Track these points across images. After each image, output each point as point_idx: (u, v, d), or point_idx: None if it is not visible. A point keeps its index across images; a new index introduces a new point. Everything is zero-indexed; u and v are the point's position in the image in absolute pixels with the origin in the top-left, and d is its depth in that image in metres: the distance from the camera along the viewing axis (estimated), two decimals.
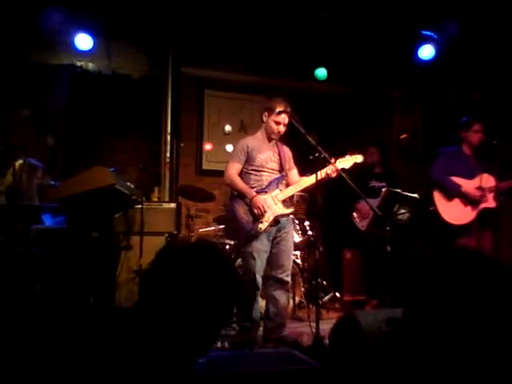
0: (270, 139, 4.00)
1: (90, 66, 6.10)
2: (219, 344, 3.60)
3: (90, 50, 5.71)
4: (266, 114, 3.94)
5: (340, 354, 1.40)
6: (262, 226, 3.76)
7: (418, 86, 6.39)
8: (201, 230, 5.72)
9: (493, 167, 4.42)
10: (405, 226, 4.96)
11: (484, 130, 4.46)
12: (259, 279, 3.78)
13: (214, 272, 1.18)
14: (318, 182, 3.78)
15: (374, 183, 5.58)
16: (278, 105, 3.89)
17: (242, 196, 3.84)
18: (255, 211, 3.76)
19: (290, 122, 3.81)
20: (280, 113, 3.85)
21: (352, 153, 3.93)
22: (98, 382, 1.09)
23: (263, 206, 3.75)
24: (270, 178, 3.90)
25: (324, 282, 5.55)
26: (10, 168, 4.20)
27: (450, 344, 0.94)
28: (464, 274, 0.97)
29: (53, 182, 4.46)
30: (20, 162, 4.25)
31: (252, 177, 3.89)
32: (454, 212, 4.36)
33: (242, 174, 3.92)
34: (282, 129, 3.91)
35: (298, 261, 5.16)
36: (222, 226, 5.23)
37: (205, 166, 6.54)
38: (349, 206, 5.58)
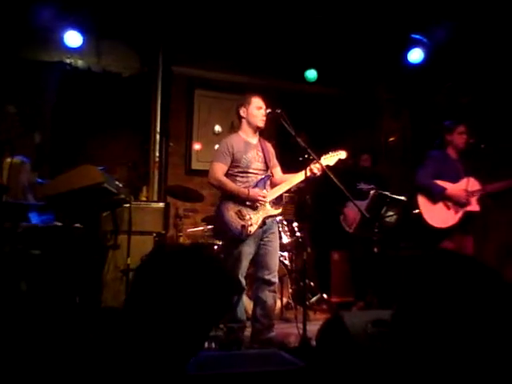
0: (254, 132, 3.96)
1: (80, 63, 6.06)
2: (206, 344, 3.59)
3: (79, 48, 5.68)
4: (244, 108, 3.92)
5: (327, 355, 1.41)
6: (252, 228, 3.74)
7: (407, 88, 6.44)
8: (189, 230, 5.71)
9: (478, 170, 4.46)
10: (392, 229, 4.98)
11: (469, 132, 4.48)
12: (242, 280, 3.77)
13: (206, 274, 1.18)
14: (303, 181, 3.80)
15: (363, 185, 5.61)
16: (252, 95, 3.94)
17: (232, 197, 3.81)
18: (258, 203, 3.76)
19: (279, 122, 3.80)
20: (257, 101, 3.90)
21: (335, 149, 3.94)
22: (84, 380, 1.09)
23: (264, 195, 3.77)
24: (256, 179, 3.87)
25: (311, 284, 5.56)
26: (3, 166, 4.18)
27: (438, 346, 0.95)
28: (453, 276, 0.98)
29: (40, 180, 4.43)
30: (8, 160, 4.23)
31: (238, 179, 3.85)
32: (437, 215, 4.38)
33: (227, 176, 3.87)
34: (264, 112, 3.89)
35: (286, 262, 5.16)
36: (210, 226, 5.22)
37: (194, 166, 6.52)
38: (337, 208, 5.61)
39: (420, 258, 1.05)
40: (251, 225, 3.74)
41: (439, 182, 4.41)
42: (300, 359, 2.10)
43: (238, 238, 3.73)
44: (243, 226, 3.72)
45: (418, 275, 1.03)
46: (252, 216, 3.77)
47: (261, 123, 3.91)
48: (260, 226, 3.78)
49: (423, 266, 1.04)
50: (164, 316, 1.13)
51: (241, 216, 3.75)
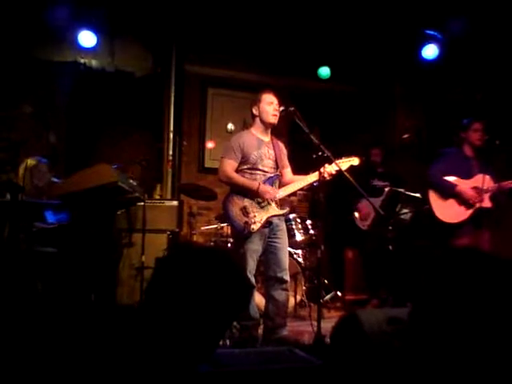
0: (266, 130, 3.94)
1: (94, 63, 6.09)
2: (221, 342, 3.59)
3: (93, 47, 5.71)
4: (256, 106, 3.91)
5: (341, 353, 1.40)
6: (255, 226, 3.71)
7: (422, 85, 6.38)
8: (202, 228, 5.73)
9: (493, 168, 4.42)
10: (407, 226, 4.96)
11: (484, 130, 4.44)
12: (252, 278, 3.76)
13: (224, 274, 1.18)
14: (311, 185, 3.80)
15: (377, 182, 5.58)
16: (263, 92, 3.92)
17: (239, 193, 3.81)
18: (267, 197, 3.74)
19: (292, 120, 3.79)
20: (269, 95, 3.88)
21: (348, 155, 3.91)
22: (100, 379, 1.09)
23: (272, 189, 3.77)
24: (263, 177, 3.84)
25: (325, 281, 5.54)
26: (20, 166, 4.22)
27: (456, 345, 0.94)
28: (472, 273, 0.97)
29: (55, 179, 4.47)
30: (32, 161, 4.27)
31: (246, 176, 3.83)
32: (447, 210, 4.37)
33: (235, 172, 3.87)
34: (276, 107, 3.86)
35: (300, 259, 5.16)
36: (223, 224, 5.23)
37: (207, 164, 6.54)
38: (351, 205, 5.58)
39: (438, 255, 1.03)
40: (254, 223, 3.72)
41: (450, 179, 4.38)
42: (315, 357, 2.09)
43: (241, 234, 3.73)
44: (246, 223, 3.71)
45: (436, 273, 1.02)
46: (256, 214, 3.75)
47: (273, 119, 3.87)
48: (263, 226, 3.76)
49: (441, 263, 1.03)
50: (180, 315, 1.13)
51: (245, 213, 3.74)
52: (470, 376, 0.92)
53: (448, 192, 4.37)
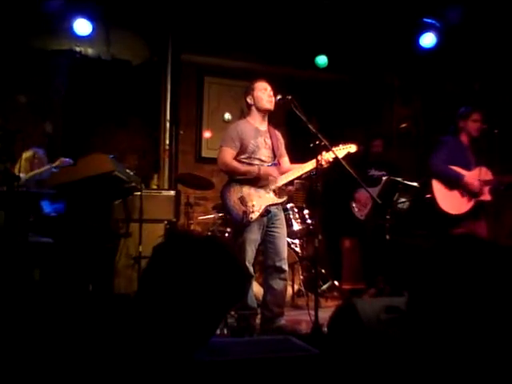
0: (263, 118, 3.92)
1: (90, 51, 6.05)
2: (218, 331, 3.60)
3: (89, 36, 5.65)
4: (250, 95, 3.89)
5: (339, 342, 1.40)
6: (253, 215, 3.71)
7: (419, 74, 6.36)
8: (200, 218, 5.72)
9: (490, 158, 4.41)
10: (404, 215, 4.96)
11: (484, 120, 4.43)
12: (251, 267, 3.76)
13: (220, 262, 1.17)
14: (308, 173, 3.80)
15: (373, 172, 5.58)
16: (255, 81, 3.91)
17: (238, 182, 3.78)
18: (270, 178, 3.76)
19: (290, 109, 3.77)
20: (261, 83, 3.88)
21: (345, 142, 3.90)
22: (97, 368, 1.09)
23: (273, 169, 3.77)
24: (261, 167, 3.84)
25: (323, 271, 5.56)
26: (18, 158, 4.21)
27: (453, 334, 0.94)
28: (469, 261, 0.96)
29: (54, 169, 4.45)
30: (29, 153, 4.25)
31: (244, 165, 3.84)
32: (451, 201, 4.36)
33: None
34: (270, 93, 3.86)
35: (297, 249, 5.16)
36: (220, 214, 5.23)
37: (204, 154, 6.53)
38: (348, 195, 5.58)
39: (435, 243, 1.03)
40: (253, 212, 3.71)
41: (456, 169, 4.37)
42: (312, 346, 2.10)
43: (240, 224, 3.72)
44: (244, 212, 3.70)
45: (433, 261, 1.02)
46: (255, 203, 3.74)
47: (269, 105, 3.86)
48: (262, 214, 3.75)
49: (438, 251, 1.02)
50: (176, 303, 1.13)
51: (243, 202, 3.74)
52: (467, 365, 0.92)
53: (455, 182, 4.35)
